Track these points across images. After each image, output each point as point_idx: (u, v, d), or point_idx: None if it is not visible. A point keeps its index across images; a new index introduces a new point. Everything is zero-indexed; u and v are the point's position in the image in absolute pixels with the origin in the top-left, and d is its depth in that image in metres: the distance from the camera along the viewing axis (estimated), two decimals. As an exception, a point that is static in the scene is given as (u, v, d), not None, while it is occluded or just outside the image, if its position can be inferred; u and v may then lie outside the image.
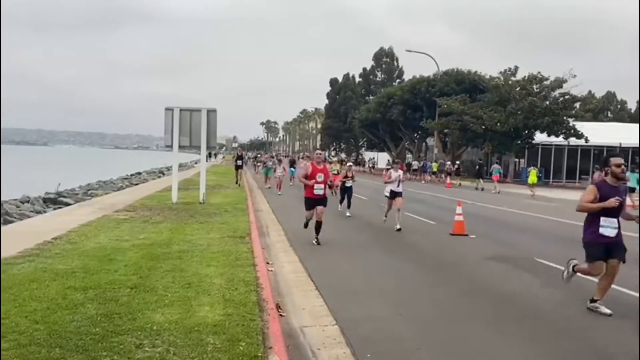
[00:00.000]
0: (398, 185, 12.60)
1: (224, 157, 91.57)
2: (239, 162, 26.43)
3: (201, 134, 16.04)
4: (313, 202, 10.05)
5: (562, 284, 7.51)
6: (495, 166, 30.87)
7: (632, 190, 20.58)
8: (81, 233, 9.81)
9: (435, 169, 39.01)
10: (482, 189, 28.79)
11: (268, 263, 8.24)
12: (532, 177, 26.34)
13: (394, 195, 12.57)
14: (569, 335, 5.41)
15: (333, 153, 78.27)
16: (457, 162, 39.12)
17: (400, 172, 13.06)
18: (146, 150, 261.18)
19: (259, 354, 4.33)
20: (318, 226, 10.10)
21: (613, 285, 7.47)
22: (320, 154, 10.61)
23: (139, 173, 44.85)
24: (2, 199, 16.55)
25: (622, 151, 40.01)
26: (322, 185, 10.00)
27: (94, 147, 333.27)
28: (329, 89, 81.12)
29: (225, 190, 21.95)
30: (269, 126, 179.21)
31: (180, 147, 16.46)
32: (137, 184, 30.17)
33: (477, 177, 31.27)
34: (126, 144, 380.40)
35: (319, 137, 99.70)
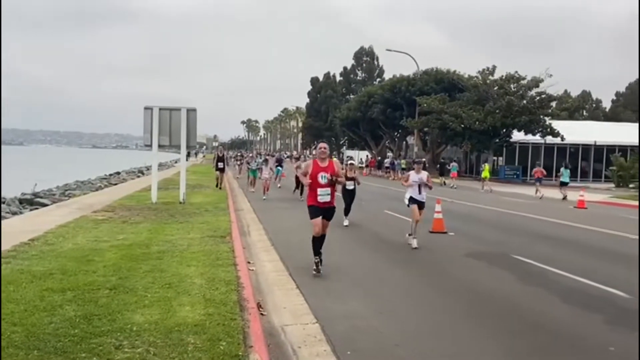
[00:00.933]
0: (420, 192, 10.03)
1: (204, 156, 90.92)
2: (220, 165, 22.97)
3: (181, 133, 15.93)
4: (318, 210, 7.72)
5: (537, 279, 7.70)
6: (453, 164, 32.90)
7: (565, 184, 23.69)
8: (59, 234, 9.68)
9: (404, 166, 40.38)
10: (444, 184, 31.11)
11: (249, 262, 8.25)
12: (485, 173, 28.02)
13: (414, 203, 10.13)
14: (543, 329, 5.55)
15: (314, 152, 78.27)
16: (424, 159, 40.38)
17: (424, 174, 10.21)
18: (125, 150, 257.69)
19: (240, 353, 4.36)
20: (320, 241, 7.81)
21: (585, 280, 7.70)
22: (324, 148, 7.89)
23: (118, 173, 44.22)
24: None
25: (597, 149, 40.96)
26: (329, 190, 7.63)
27: (72, 146, 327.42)
28: (310, 87, 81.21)
29: (206, 189, 21.82)
30: (250, 125, 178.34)
31: (160, 146, 16.32)
32: (116, 184, 29.76)
33: (440, 174, 34.03)
34: (104, 143, 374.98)
35: (300, 136, 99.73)
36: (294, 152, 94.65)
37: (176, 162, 60.52)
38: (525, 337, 5.30)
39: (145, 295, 5.85)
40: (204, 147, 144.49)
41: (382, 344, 5.03)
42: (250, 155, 37.25)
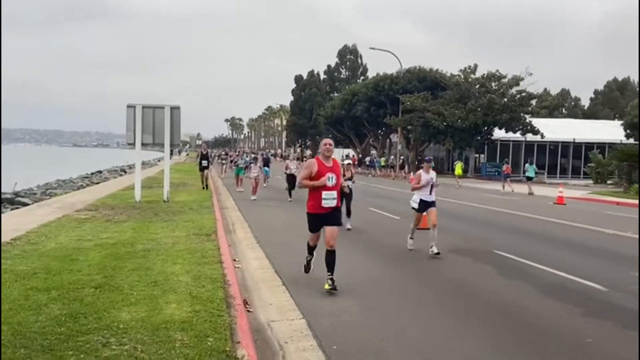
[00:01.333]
0: (430, 193, 9.41)
1: (187, 155, 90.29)
2: (204, 163, 21.97)
3: (165, 132, 15.84)
4: (320, 219, 6.69)
5: (519, 275, 7.87)
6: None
7: (530, 178, 25.70)
8: (41, 233, 9.59)
9: (383, 164, 42.91)
10: None
11: (235, 260, 8.28)
12: (458, 170, 29.35)
13: (424, 206, 9.35)
14: (525, 322, 5.70)
15: (299, 149, 78.27)
16: (402, 157, 42.56)
17: (433, 174, 9.53)
18: (106, 148, 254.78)
19: (227, 349, 4.40)
20: (330, 259, 6.62)
21: (565, 274, 7.90)
22: (330, 145, 6.78)
23: (100, 171, 43.75)
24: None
25: (576, 146, 41.69)
26: (335, 193, 6.66)
27: (52, 145, 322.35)
28: (294, 85, 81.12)
29: (190, 188, 21.72)
30: (234, 123, 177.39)
31: (143, 144, 16.20)
32: (97, 183, 29.46)
33: (417, 170, 34.51)
34: (85, 141, 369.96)
35: (284, 134, 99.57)
36: (278, 151, 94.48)
37: (159, 160, 60.04)
38: (507, 330, 5.44)
39: (131, 293, 5.85)
40: (187, 145, 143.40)
41: (367, 339, 5.11)
42: (236, 154, 36.16)
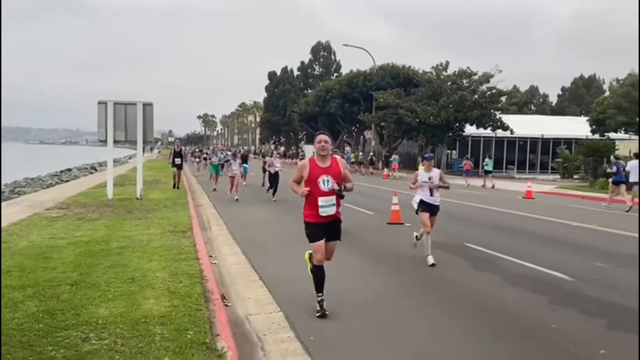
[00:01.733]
0: (432, 194, 8.33)
1: (159, 152, 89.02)
2: (178, 161, 20.55)
3: (137, 129, 15.67)
4: (320, 228, 5.71)
5: (490, 266, 8.13)
6: (395, 156, 36.50)
7: (489, 172, 27.24)
8: (12, 232, 9.43)
9: (353, 160, 44.20)
10: (389, 175, 34.31)
11: (211, 256, 8.32)
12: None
13: (426, 207, 8.37)
14: (496, 313, 5.92)
15: (273, 146, 78.04)
16: (371, 153, 44.26)
17: (435, 172, 8.41)
18: (75, 146, 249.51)
19: (207, 341, 4.48)
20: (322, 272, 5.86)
21: (532, 265, 8.19)
22: (325, 142, 5.67)
23: (69, 169, 42.85)
24: None
25: (544, 142, 42.76)
26: (334, 199, 5.66)
27: (18, 142, 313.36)
28: (267, 82, 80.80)
29: (163, 185, 21.51)
30: (207, 120, 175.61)
31: (115, 141, 15.99)
32: (67, 181, 28.90)
33: (385, 166, 37.61)
34: (52, 138, 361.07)
35: (258, 131, 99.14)
36: (252, 147, 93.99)
37: (130, 158, 59.07)
38: (478, 319, 5.65)
39: (109, 289, 5.86)
40: (159, 142, 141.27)
41: (345, 329, 5.25)
42: (211, 151, 35.33)
